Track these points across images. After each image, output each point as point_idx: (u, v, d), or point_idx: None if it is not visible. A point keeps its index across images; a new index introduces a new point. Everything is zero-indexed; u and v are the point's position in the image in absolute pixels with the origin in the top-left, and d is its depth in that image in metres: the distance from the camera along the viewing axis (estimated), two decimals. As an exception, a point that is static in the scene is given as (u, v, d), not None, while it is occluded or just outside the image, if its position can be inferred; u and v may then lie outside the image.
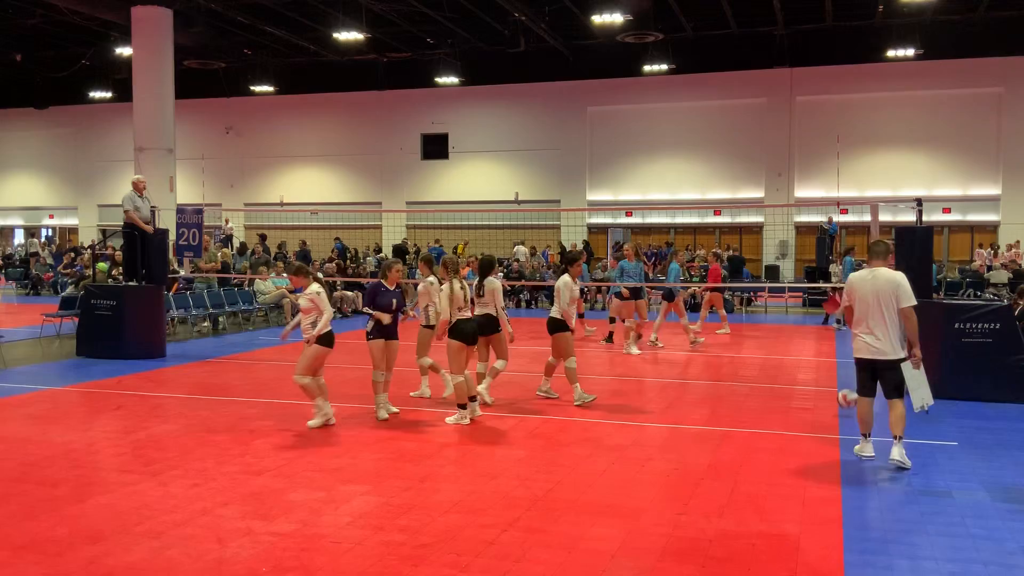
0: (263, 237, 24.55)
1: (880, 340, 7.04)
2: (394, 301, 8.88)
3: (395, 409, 9.11)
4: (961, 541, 5.38)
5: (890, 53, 27.18)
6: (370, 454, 7.44)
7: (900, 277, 7.11)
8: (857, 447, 7.44)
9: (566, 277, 9.75)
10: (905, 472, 6.91)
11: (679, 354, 14.10)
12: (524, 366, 12.62)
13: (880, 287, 7.07)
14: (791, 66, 29.40)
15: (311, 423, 8.43)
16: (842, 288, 8.06)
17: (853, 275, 7.50)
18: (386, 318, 8.77)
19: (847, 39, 28.37)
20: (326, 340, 8.41)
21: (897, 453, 6.99)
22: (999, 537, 5.45)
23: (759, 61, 29.56)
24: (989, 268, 24.01)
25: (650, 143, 31.50)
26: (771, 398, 10.22)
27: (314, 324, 8.36)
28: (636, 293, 14.39)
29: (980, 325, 9.72)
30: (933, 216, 24.84)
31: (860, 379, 7.30)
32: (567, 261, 10.05)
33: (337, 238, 28.94)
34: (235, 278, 18.97)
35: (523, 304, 23.19)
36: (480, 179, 33.37)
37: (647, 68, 28.93)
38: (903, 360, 7.08)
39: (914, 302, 7.05)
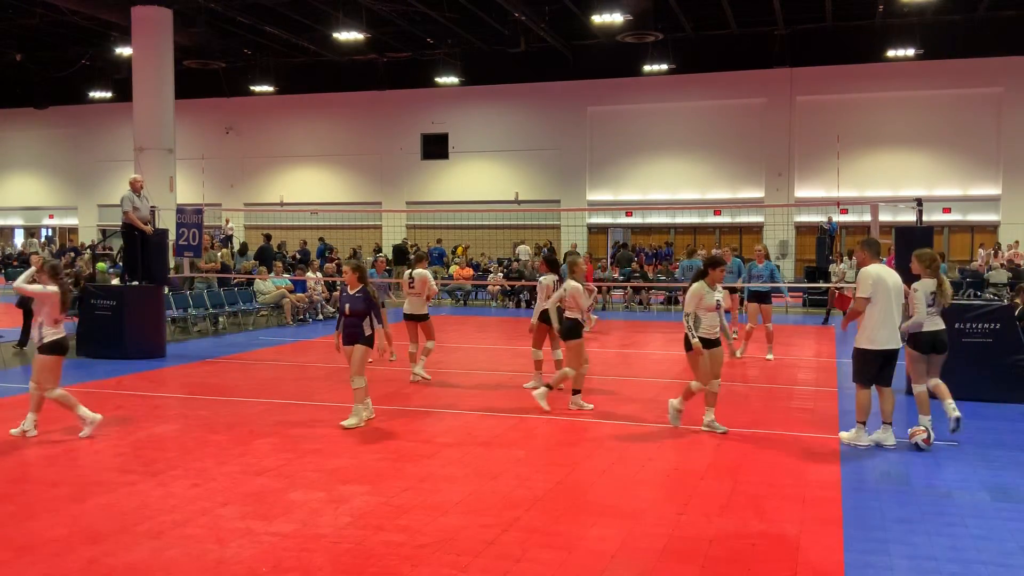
0: (268, 237, 24.58)
1: (896, 330, 7.67)
2: (347, 306, 8.42)
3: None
4: (961, 541, 5.38)
5: (890, 53, 27.19)
6: (370, 454, 7.44)
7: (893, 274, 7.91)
8: (848, 435, 7.72)
9: (699, 284, 8.10)
10: (905, 471, 6.93)
11: (680, 354, 14.07)
12: (525, 366, 12.63)
13: (897, 281, 7.73)
14: (791, 66, 29.41)
15: (81, 434, 7.97)
16: (843, 287, 8.22)
17: (875, 270, 7.64)
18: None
19: (847, 39, 28.38)
20: (54, 348, 7.90)
21: (889, 435, 7.68)
22: (999, 537, 5.45)
23: (759, 61, 29.56)
24: (989, 268, 24.00)
25: (650, 143, 31.50)
26: (771, 398, 10.22)
27: (41, 328, 7.84)
28: (761, 297, 13.45)
29: (980, 325, 9.72)
30: (933, 216, 24.84)
31: (870, 371, 7.65)
32: (708, 264, 8.19)
33: (321, 239, 28.92)
34: (234, 278, 18.97)
35: (523, 304, 23.15)
36: (480, 179, 33.37)
37: (647, 68, 28.93)
38: None
39: None
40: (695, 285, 8.12)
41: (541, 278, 10.54)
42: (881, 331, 7.56)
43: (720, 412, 9.24)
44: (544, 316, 10.26)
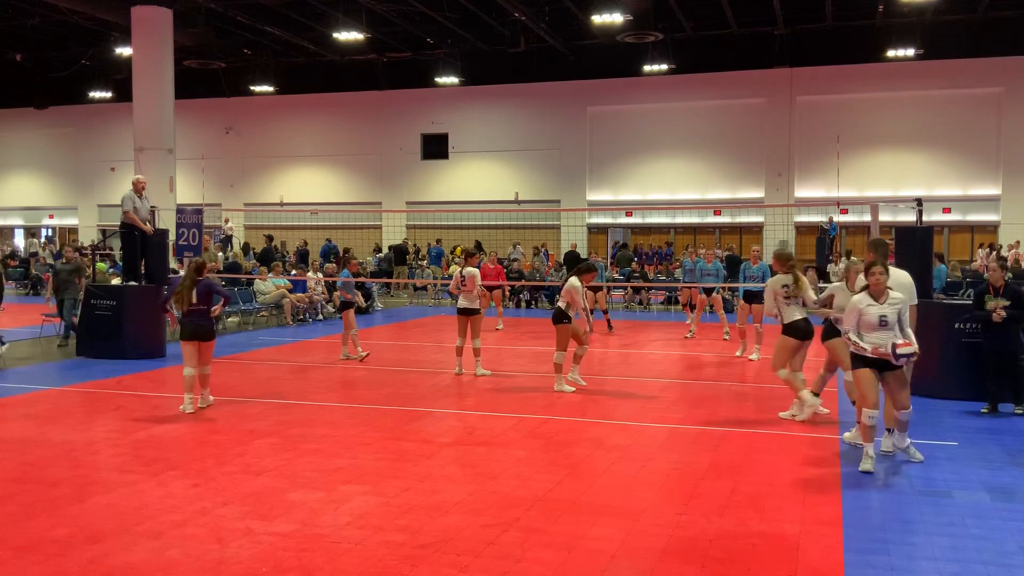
0: (270, 238, 24.58)
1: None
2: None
3: (209, 401, 9.43)
4: (961, 541, 5.38)
5: (890, 53, 27.17)
6: (370, 454, 7.44)
7: (907, 277, 7.85)
8: (850, 435, 7.76)
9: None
10: (905, 471, 6.93)
11: (680, 354, 14.10)
12: (524, 366, 12.65)
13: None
14: (791, 66, 29.38)
15: None
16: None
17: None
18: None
19: (847, 39, 28.36)
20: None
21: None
22: (999, 537, 5.45)
23: (759, 61, 29.54)
24: (988, 268, 23.95)
25: (650, 143, 31.48)
26: (771, 398, 10.21)
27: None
28: (752, 297, 13.69)
29: (980, 325, 9.70)
30: (933, 216, 24.82)
31: None
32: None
33: (328, 239, 28.94)
34: (239, 277, 18.98)
35: (522, 304, 23.18)
36: (480, 179, 33.36)
37: (647, 68, 28.92)
38: None
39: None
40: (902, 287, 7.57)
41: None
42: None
43: (721, 412, 9.25)
44: (558, 316, 10.50)
